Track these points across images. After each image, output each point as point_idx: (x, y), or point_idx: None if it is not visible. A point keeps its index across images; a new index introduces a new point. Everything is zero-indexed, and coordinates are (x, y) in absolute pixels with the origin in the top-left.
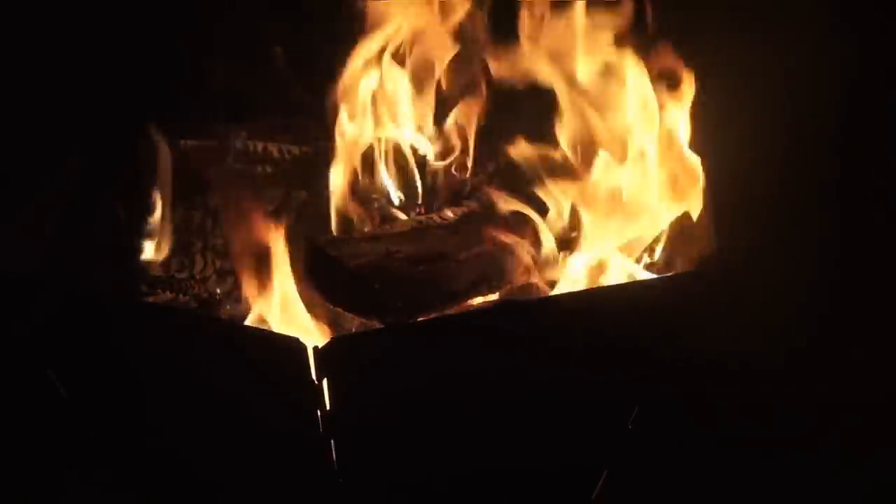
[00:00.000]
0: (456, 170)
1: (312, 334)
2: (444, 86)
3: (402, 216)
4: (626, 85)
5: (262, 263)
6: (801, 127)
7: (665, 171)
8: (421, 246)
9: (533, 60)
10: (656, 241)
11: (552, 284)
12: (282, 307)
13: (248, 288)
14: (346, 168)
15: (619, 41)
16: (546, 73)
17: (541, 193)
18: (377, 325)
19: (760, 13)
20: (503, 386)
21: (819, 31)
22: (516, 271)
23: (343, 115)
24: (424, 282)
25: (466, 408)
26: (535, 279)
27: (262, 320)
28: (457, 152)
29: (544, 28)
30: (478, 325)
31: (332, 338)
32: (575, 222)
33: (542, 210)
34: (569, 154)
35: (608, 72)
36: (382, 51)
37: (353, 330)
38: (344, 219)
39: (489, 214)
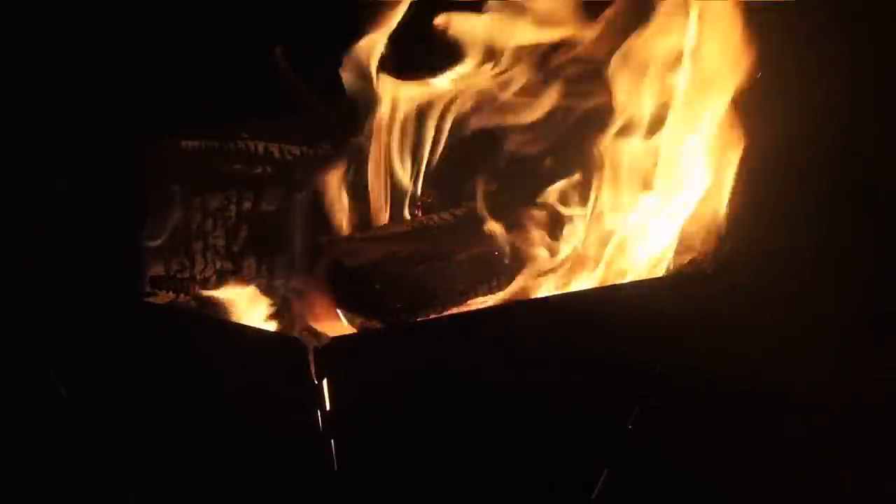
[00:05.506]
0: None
1: None
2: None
3: (405, 215)
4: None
5: None
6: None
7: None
8: (421, 246)
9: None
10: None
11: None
12: None
13: None
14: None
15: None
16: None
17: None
18: (377, 324)
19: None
20: (503, 386)
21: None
22: (516, 272)
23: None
24: (424, 282)
25: (466, 408)
26: (535, 279)
27: None
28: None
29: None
30: (478, 325)
31: (331, 338)
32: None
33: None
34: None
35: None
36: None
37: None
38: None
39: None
